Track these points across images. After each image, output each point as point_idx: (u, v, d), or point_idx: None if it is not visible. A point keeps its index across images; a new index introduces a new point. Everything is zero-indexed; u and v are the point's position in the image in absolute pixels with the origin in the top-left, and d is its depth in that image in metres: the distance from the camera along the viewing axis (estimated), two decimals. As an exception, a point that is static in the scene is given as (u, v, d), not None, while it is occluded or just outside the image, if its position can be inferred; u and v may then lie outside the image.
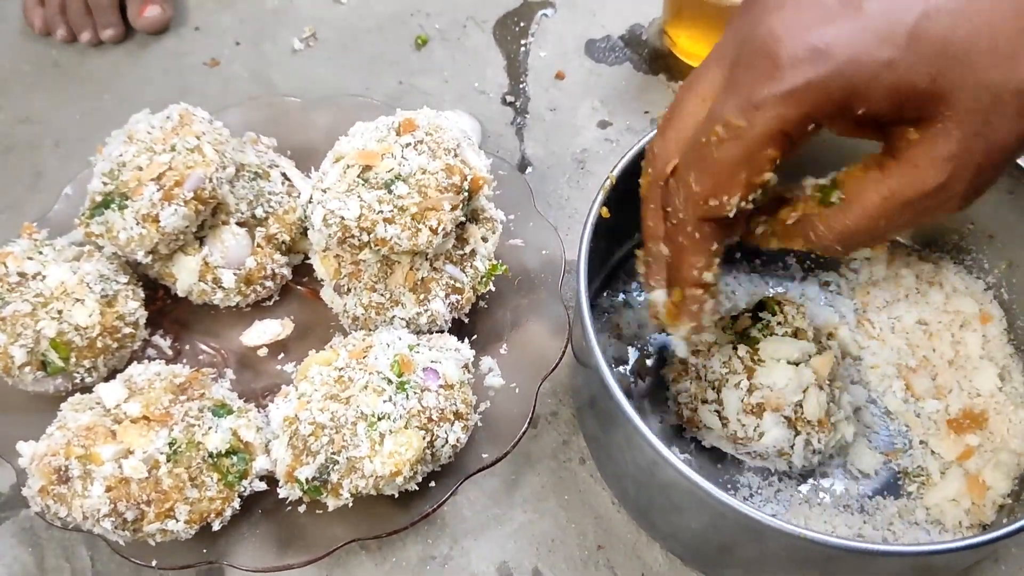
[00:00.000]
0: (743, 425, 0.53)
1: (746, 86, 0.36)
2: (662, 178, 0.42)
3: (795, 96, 0.35)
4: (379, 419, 0.50)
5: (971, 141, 0.36)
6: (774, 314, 0.55)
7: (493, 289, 0.62)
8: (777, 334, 0.54)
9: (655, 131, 0.43)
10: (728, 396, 0.53)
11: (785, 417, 0.52)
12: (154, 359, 0.60)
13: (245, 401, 0.58)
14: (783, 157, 0.37)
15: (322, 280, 0.61)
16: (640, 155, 0.56)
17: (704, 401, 0.55)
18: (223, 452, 0.52)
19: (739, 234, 0.45)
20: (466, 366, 0.56)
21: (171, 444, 0.51)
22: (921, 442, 0.59)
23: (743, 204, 0.39)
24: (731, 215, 0.39)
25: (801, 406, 0.52)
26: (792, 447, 0.53)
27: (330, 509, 0.52)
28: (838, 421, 0.55)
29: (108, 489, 0.49)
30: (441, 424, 0.52)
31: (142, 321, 0.61)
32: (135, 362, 0.58)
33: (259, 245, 0.63)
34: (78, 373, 0.58)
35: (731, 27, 0.39)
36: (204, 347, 0.64)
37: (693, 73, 0.41)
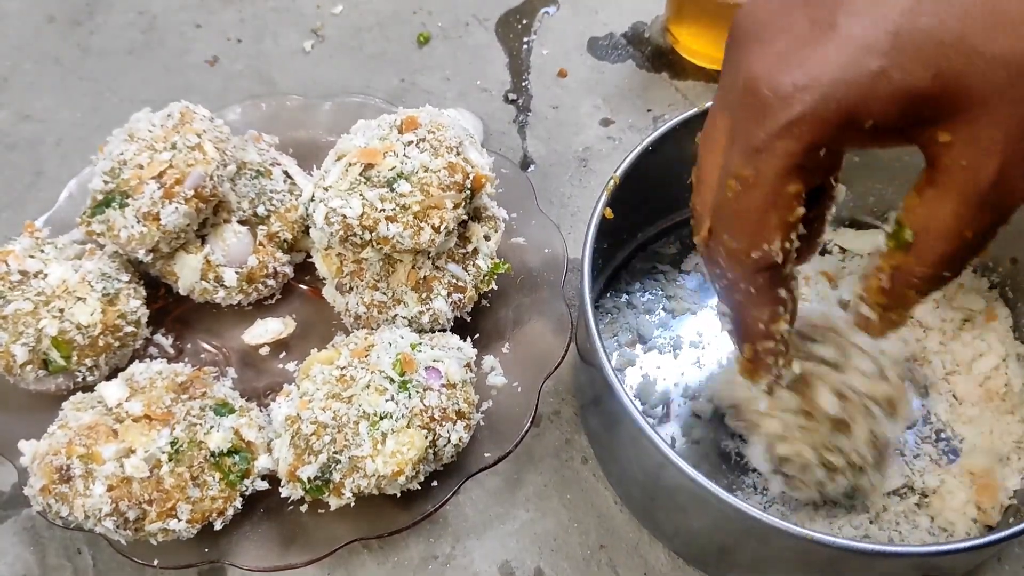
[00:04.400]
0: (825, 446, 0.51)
1: (743, 134, 0.35)
2: (704, 240, 0.40)
3: (791, 130, 0.34)
4: (381, 418, 0.50)
5: (1006, 122, 0.33)
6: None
7: (495, 288, 0.62)
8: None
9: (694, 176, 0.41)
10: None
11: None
12: (156, 358, 0.60)
13: (247, 400, 0.57)
14: (808, 186, 0.36)
15: (324, 279, 0.61)
16: (643, 154, 0.56)
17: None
18: (225, 451, 0.52)
19: (804, 262, 0.43)
20: (468, 365, 0.56)
21: (173, 443, 0.51)
22: (937, 452, 0.58)
23: (787, 245, 0.37)
24: (779, 260, 0.38)
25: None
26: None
27: (332, 508, 0.52)
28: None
29: (110, 488, 0.49)
30: (443, 423, 0.52)
31: (144, 320, 0.61)
32: (137, 361, 0.58)
33: (261, 243, 0.63)
34: (80, 372, 0.58)
35: (724, 70, 0.38)
36: (206, 346, 0.64)
37: (705, 125, 0.40)
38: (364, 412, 0.50)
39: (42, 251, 0.59)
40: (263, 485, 0.54)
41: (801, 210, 0.36)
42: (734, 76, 0.36)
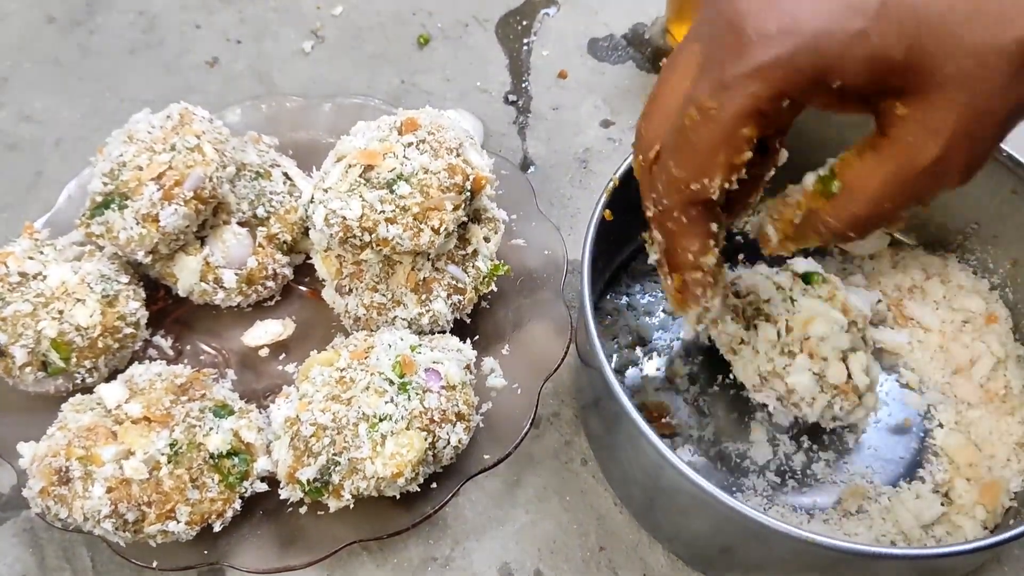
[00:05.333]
0: (771, 360, 0.53)
1: (716, 66, 0.36)
2: (648, 163, 0.41)
3: (764, 73, 0.35)
4: (381, 420, 0.50)
5: (961, 110, 0.34)
6: (818, 283, 0.56)
7: (495, 289, 0.62)
8: (821, 297, 0.55)
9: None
10: (765, 331, 0.54)
11: (815, 373, 0.53)
12: (155, 359, 0.60)
13: (246, 402, 0.57)
14: (761, 134, 0.37)
15: (323, 280, 0.61)
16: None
17: (743, 335, 0.55)
18: (224, 453, 0.52)
19: (734, 219, 0.45)
20: (468, 367, 0.56)
21: (172, 445, 0.51)
22: (935, 454, 0.58)
23: (727, 185, 0.39)
24: (715, 197, 0.39)
25: (829, 365, 0.53)
26: (813, 401, 0.53)
27: (331, 510, 0.52)
28: (865, 393, 0.54)
29: (109, 490, 0.49)
30: (443, 425, 0.52)
31: (143, 321, 0.61)
32: (136, 362, 0.58)
33: (260, 245, 0.63)
34: (79, 373, 0.58)
35: (705, 4, 0.38)
36: (205, 347, 0.64)
37: (673, 52, 0.40)
38: (363, 414, 0.50)
39: (41, 252, 0.59)
40: (262, 487, 0.54)
41: (748, 154, 0.37)
42: (717, 9, 0.36)
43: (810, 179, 0.41)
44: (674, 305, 0.45)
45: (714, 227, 0.41)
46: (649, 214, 0.42)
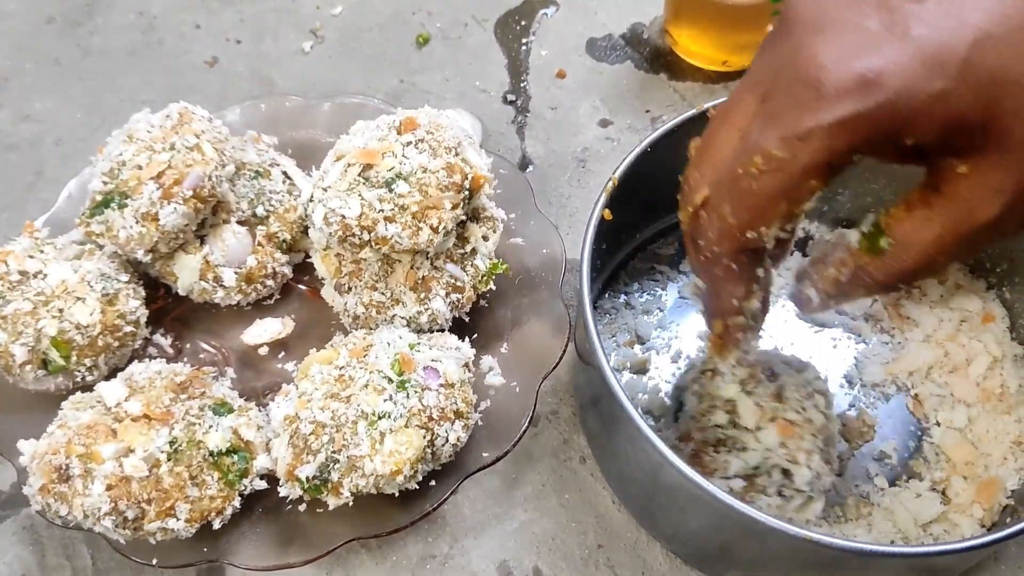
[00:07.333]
0: None
1: (788, 116, 0.34)
2: (695, 208, 0.40)
3: (844, 127, 0.34)
4: (380, 418, 0.50)
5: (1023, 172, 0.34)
6: None
7: (494, 288, 0.62)
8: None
9: (688, 163, 0.41)
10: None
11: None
12: (155, 358, 0.60)
13: (246, 400, 0.58)
14: (825, 186, 0.36)
15: (323, 279, 0.61)
16: (642, 156, 0.56)
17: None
18: (224, 451, 0.52)
19: (779, 260, 0.44)
20: (467, 365, 0.56)
21: (172, 443, 0.51)
22: (933, 452, 0.58)
23: (781, 234, 0.38)
24: (769, 246, 0.38)
25: None
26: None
27: (330, 508, 0.52)
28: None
29: (109, 488, 0.49)
30: (441, 423, 0.52)
31: (143, 320, 0.61)
32: (136, 361, 0.59)
33: (260, 244, 0.63)
34: (79, 372, 0.58)
35: (764, 53, 0.38)
36: (205, 346, 0.64)
37: (726, 102, 0.39)
38: (362, 412, 0.50)
39: (41, 251, 0.59)
40: (262, 484, 0.54)
41: (811, 204, 0.36)
42: (788, 59, 0.35)
43: (854, 236, 0.40)
44: (714, 350, 0.45)
45: (760, 272, 0.41)
46: (693, 261, 0.41)
